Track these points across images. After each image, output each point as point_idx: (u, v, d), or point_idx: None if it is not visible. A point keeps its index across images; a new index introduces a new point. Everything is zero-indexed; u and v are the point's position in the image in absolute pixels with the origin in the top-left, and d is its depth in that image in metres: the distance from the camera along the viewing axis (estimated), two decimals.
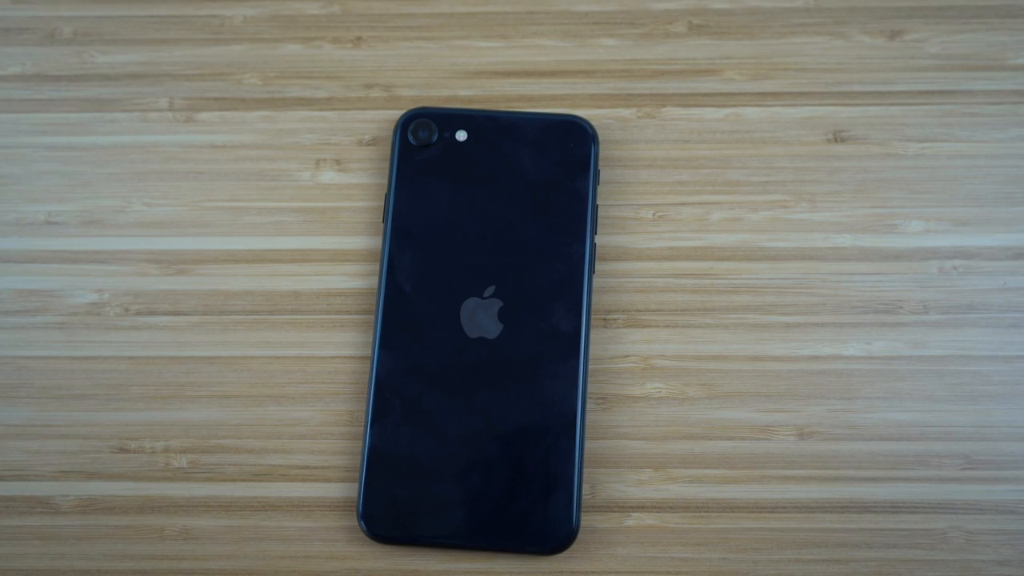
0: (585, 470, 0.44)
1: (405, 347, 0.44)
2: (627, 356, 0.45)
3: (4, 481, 0.44)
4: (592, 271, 0.45)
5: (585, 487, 0.44)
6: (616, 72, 0.48)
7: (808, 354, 0.45)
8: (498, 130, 0.46)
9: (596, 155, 0.46)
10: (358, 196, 0.47)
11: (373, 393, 0.43)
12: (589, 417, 0.44)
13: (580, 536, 0.43)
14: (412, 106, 0.48)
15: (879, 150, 0.47)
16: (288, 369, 0.45)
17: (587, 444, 0.44)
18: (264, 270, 0.46)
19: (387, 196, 0.45)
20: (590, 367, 0.45)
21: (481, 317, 0.44)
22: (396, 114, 0.48)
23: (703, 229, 0.46)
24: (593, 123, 0.47)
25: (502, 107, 0.48)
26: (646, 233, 0.46)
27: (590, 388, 0.45)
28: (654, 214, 0.47)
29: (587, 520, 0.44)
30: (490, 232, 0.45)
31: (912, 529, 0.43)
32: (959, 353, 0.45)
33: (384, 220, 0.45)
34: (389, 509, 0.43)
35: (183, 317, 0.46)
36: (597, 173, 0.46)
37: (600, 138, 0.47)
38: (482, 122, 0.46)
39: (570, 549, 0.43)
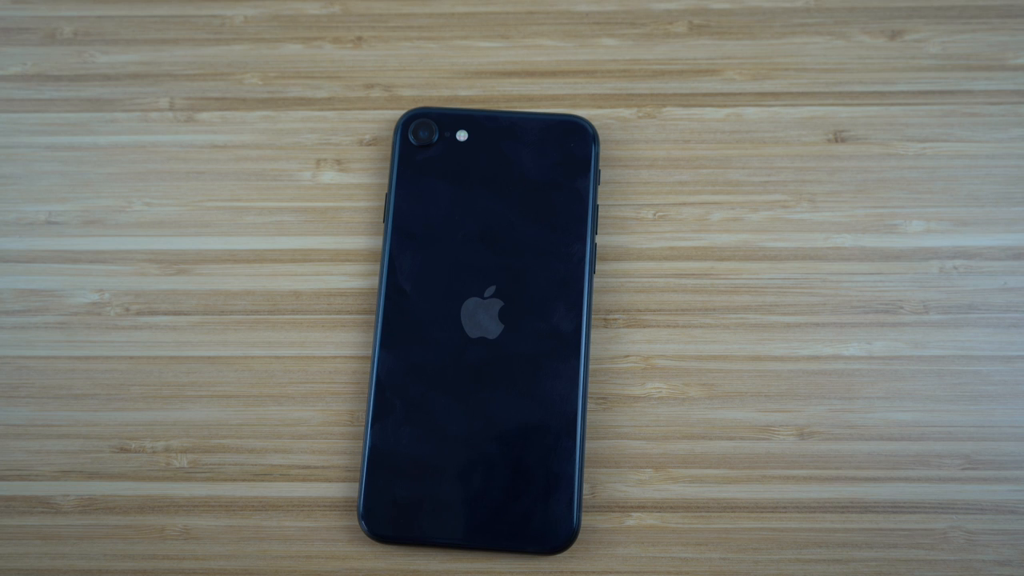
0: (586, 470, 0.44)
1: (406, 347, 0.44)
2: (627, 356, 0.45)
3: (5, 481, 0.44)
4: (592, 271, 0.45)
5: (586, 487, 0.44)
6: (616, 72, 0.48)
7: (808, 354, 0.45)
8: (499, 130, 0.46)
9: (597, 155, 0.46)
10: (359, 196, 0.47)
11: (374, 393, 0.43)
12: (590, 417, 0.44)
13: (580, 536, 0.43)
14: (413, 106, 0.48)
15: (880, 150, 0.47)
16: (288, 369, 0.45)
17: (588, 444, 0.44)
18: (264, 270, 0.46)
19: (388, 196, 0.45)
20: (591, 367, 0.45)
21: (482, 317, 0.44)
22: (397, 114, 0.48)
23: (703, 229, 0.46)
24: (594, 123, 0.47)
25: (502, 107, 0.48)
26: (646, 233, 0.46)
27: (591, 388, 0.45)
28: (655, 214, 0.47)
29: (588, 520, 0.44)
30: (491, 232, 0.45)
31: (912, 529, 0.43)
32: (959, 353, 0.45)
33: (384, 220, 0.45)
34: (390, 509, 0.43)
35: (183, 317, 0.46)
36: (598, 173, 0.46)
37: (601, 138, 0.47)
38: (483, 122, 0.46)
39: (571, 549, 0.43)
